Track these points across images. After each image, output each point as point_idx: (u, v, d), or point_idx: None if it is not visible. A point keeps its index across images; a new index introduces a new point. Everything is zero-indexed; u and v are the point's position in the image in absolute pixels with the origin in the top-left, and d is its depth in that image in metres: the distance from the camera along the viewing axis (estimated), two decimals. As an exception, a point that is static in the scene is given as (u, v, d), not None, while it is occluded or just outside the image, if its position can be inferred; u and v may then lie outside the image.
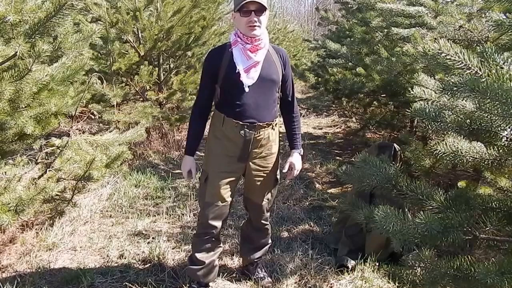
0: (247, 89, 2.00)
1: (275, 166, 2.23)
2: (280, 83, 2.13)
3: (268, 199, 2.28)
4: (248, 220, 2.45)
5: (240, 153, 2.10)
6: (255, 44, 2.00)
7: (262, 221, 2.34)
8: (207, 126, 2.23)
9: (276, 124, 2.17)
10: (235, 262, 2.66)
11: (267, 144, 2.14)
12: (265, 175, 2.19)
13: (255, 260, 2.43)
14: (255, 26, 1.95)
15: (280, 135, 2.35)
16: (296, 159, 2.26)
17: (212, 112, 2.21)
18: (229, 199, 2.15)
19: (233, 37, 2.05)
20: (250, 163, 2.14)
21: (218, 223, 2.16)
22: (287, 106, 2.26)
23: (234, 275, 2.51)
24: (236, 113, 2.03)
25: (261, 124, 2.07)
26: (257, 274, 2.43)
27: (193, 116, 2.18)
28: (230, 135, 2.07)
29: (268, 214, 2.35)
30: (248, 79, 2.00)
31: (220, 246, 2.31)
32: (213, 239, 2.21)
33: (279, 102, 2.19)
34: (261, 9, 1.94)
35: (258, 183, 2.20)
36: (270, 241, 2.47)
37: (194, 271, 2.24)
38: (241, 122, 2.03)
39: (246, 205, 2.38)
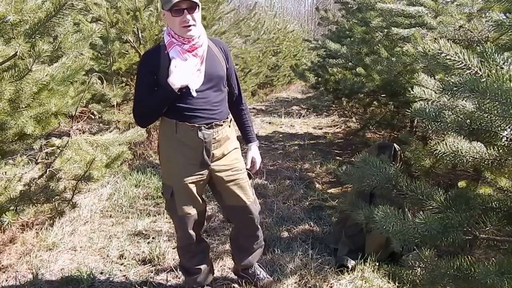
0: (194, 94, 1.87)
1: (241, 160, 2.12)
2: (225, 77, 2.01)
3: (250, 198, 2.11)
4: (237, 229, 2.29)
5: (202, 158, 1.95)
6: (193, 43, 1.85)
7: (252, 226, 2.17)
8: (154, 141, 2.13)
9: (230, 120, 2.07)
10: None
11: (226, 142, 2.02)
12: (235, 172, 2.06)
13: (253, 265, 2.36)
14: (190, 26, 1.80)
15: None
16: (255, 152, 2.20)
17: (159, 122, 2.04)
18: (202, 205, 2.06)
19: (167, 38, 1.88)
20: (213, 166, 2.00)
21: (198, 230, 2.10)
22: (235, 99, 2.14)
23: (233, 275, 2.51)
24: (190, 116, 1.89)
25: (217, 123, 1.95)
26: (257, 276, 2.37)
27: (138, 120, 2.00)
28: (186, 141, 1.93)
29: (259, 216, 2.20)
30: (193, 82, 1.87)
31: (208, 246, 2.23)
32: (199, 244, 2.13)
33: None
34: (193, 6, 1.79)
35: (231, 183, 2.05)
36: (263, 242, 2.33)
37: (193, 280, 2.19)
38: (196, 125, 1.90)
39: (229, 214, 2.22)
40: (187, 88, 1.86)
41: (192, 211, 2.01)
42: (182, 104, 1.89)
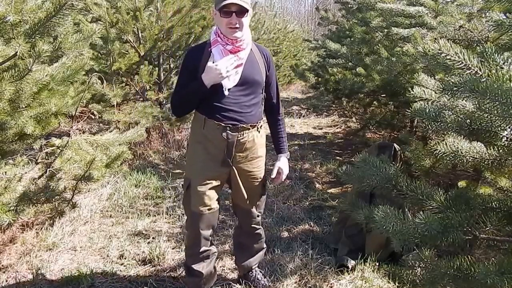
0: (226, 93, 1.92)
1: (262, 170, 2.14)
2: (264, 84, 2.05)
3: (257, 205, 2.19)
4: (239, 227, 2.35)
5: (223, 157, 1.99)
6: (236, 45, 1.91)
7: (253, 225, 2.23)
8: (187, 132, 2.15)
9: (261, 126, 2.08)
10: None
11: (252, 147, 2.04)
12: (252, 180, 2.10)
13: (253, 268, 2.36)
14: (236, 28, 1.85)
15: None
16: (283, 164, 2.20)
17: (192, 116, 2.12)
18: (215, 206, 2.04)
19: (213, 36, 1.95)
20: (235, 167, 2.04)
21: (208, 232, 2.07)
22: (272, 108, 2.18)
23: (233, 275, 2.51)
24: (218, 114, 1.94)
25: (244, 126, 1.97)
26: (258, 281, 2.36)
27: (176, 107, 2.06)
28: (211, 138, 1.97)
29: (259, 218, 2.25)
30: (228, 81, 1.91)
31: (215, 252, 2.21)
32: (207, 247, 2.11)
33: (263, 103, 2.11)
34: (242, 10, 1.84)
35: (246, 189, 2.10)
36: (264, 245, 2.37)
37: (194, 283, 2.18)
38: (223, 124, 1.94)
39: (235, 211, 2.29)
40: (220, 86, 1.91)
41: (204, 208, 2.01)
42: (212, 101, 1.94)
